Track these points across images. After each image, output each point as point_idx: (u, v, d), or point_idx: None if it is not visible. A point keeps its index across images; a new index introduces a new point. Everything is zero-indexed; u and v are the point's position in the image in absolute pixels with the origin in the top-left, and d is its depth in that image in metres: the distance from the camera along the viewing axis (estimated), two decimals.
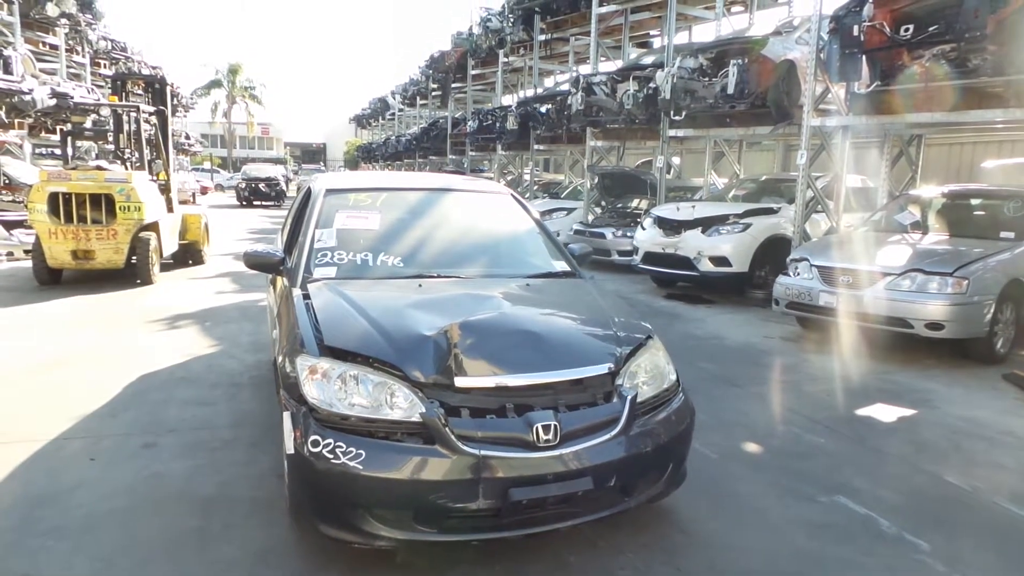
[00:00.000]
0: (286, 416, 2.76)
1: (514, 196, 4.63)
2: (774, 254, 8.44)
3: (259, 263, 3.84)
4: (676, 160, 15.89)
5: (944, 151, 11.35)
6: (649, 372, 3.07)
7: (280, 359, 3.13)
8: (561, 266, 4.02)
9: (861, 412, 4.80)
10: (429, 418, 2.56)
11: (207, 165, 49.22)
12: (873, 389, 5.29)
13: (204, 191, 33.02)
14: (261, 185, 28.20)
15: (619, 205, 12.98)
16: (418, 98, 32.17)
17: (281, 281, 3.92)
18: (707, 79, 9.76)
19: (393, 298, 3.28)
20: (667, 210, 9.70)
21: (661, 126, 10.96)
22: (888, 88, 7.25)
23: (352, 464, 2.52)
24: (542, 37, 17.79)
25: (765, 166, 14.19)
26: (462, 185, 4.70)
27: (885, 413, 4.77)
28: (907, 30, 6.87)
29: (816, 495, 3.48)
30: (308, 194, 4.37)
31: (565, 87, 18.29)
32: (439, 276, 3.62)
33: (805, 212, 8.39)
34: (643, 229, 9.76)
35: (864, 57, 7.31)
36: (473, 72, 23.05)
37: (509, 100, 22.67)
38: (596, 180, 12.87)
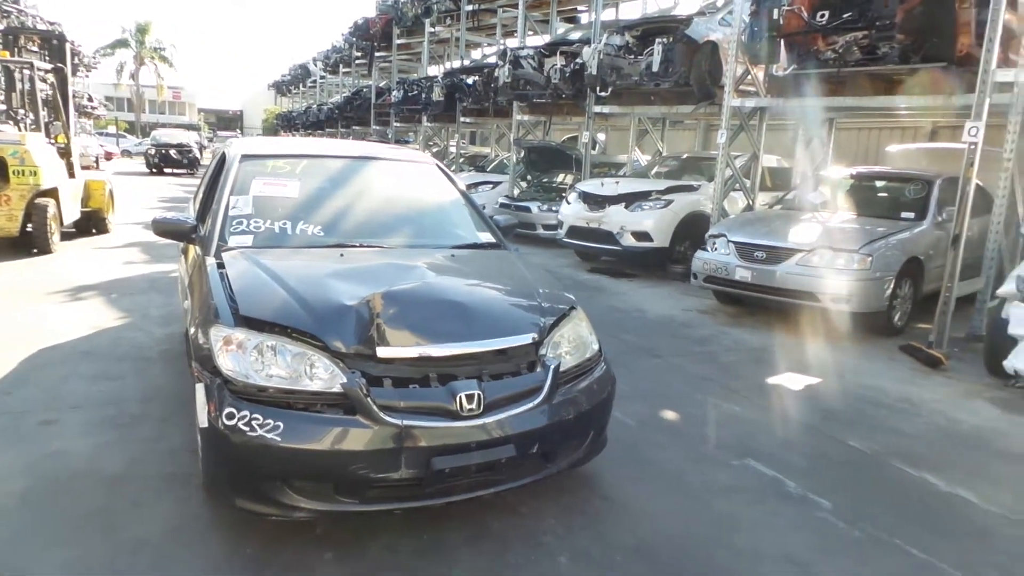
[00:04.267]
0: (199, 388, 2.66)
1: (439, 166, 4.56)
2: (694, 230, 8.66)
3: (169, 230, 3.65)
4: (601, 136, 16.07)
5: (853, 135, 11.88)
6: (572, 342, 3.10)
7: (192, 330, 3.00)
8: (486, 237, 4.00)
9: (772, 381, 5.02)
10: (350, 388, 2.51)
11: (112, 129, 46.32)
12: (783, 360, 5.54)
13: (109, 157, 31.13)
14: (172, 151, 26.79)
15: (545, 180, 13.03)
16: (341, 66, 31.20)
17: (193, 250, 3.75)
18: (633, 57, 9.85)
19: (313, 267, 3.19)
20: (592, 185, 9.81)
21: (587, 102, 11.01)
22: (804, 72, 7.50)
23: (270, 436, 2.45)
24: (469, 7, 17.51)
25: (686, 144, 14.51)
26: (386, 154, 4.60)
27: (794, 382, 5.00)
28: (823, 16, 7.10)
29: (729, 460, 3.63)
30: (223, 159, 4.18)
31: (492, 60, 18.15)
32: (361, 246, 3.53)
33: (724, 190, 8.64)
34: (568, 204, 9.84)
35: (783, 41, 7.52)
36: (398, 41, 22.51)
37: (435, 71, 22.29)
38: (522, 154, 12.86)
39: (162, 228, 3.63)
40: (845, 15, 6.91)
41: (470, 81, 15.19)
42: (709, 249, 6.99)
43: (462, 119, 16.47)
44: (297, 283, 2.92)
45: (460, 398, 2.59)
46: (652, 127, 12.35)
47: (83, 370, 4.51)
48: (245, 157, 3.94)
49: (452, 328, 2.80)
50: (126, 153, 39.39)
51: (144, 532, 2.72)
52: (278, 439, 2.45)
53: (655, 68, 9.28)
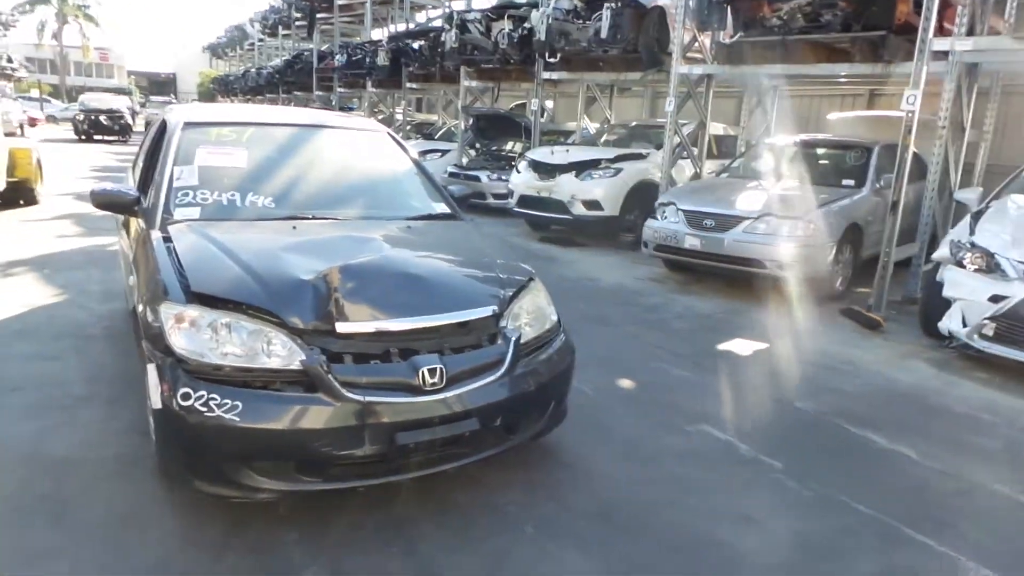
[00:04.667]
0: (150, 368, 2.56)
1: (391, 135, 4.47)
2: (643, 198, 8.73)
3: (110, 202, 3.48)
4: (549, 104, 15.96)
5: (796, 103, 12.08)
6: (531, 313, 3.11)
7: (140, 308, 2.89)
8: (441, 208, 3.95)
9: (722, 347, 5.15)
10: (311, 365, 2.46)
11: (36, 93, 43.75)
12: (732, 325, 5.68)
13: (33, 123, 29.46)
14: (103, 118, 25.51)
15: (494, 148, 12.91)
16: (280, 28, 30.05)
17: (136, 223, 3.59)
18: (581, 22, 9.76)
19: (266, 241, 3.10)
20: (542, 154, 9.77)
21: (536, 68, 10.90)
22: (750, 39, 7.58)
23: (228, 416, 2.39)
24: None
25: (634, 112, 14.56)
26: (336, 122, 4.47)
27: (743, 347, 5.15)
28: None
29: (684, 425, 3.72)
30: (163, 127, 3.99)
31: (438, 23, 17.76)
32: (314, 218, 3.45)
33: (672, 158, 8.72)
34: (518, 172, 9.79)
35: (729, 7, 7.57)
36: (340, 3, 21.81)
37: (379, 35, 21.72)
38: (471, 122, 12.69)
39: (102, 200, 3.46)
40: None
41: (416, 46, 14.86)
42: (659, 217, 7.07)
43: (408, 85, 16.15)
44: (251, 257, 2.84)
45: (423, 372, 2.57)
46: (600, 94, 12.33)
47: (18, 350, 4.31)
48: (188, 124, 3.78)
49: (412, 301, 2.77)
50: (51, 119, 37.33)
51: (97, 517, 2.64)
52: (237, 419, 2.40)
53: (603, 34, 9.22)
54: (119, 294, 5.45)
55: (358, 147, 4.29)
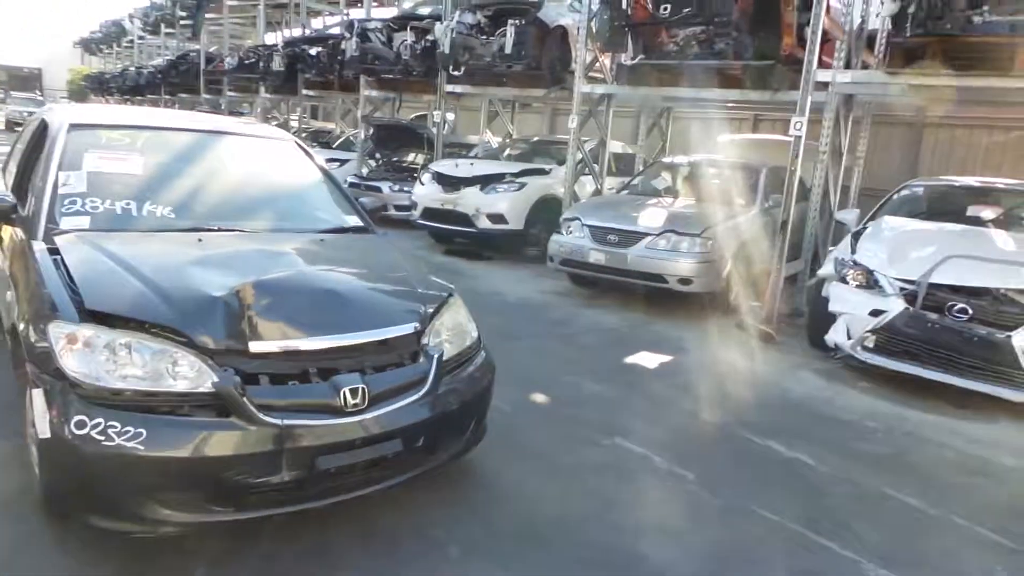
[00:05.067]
0: (36, 394, 2.32)
1: (298, 143, 4.31)
2: (546, 213, 8.87)
3: None
4: (451, 116, 15.94)
5: (688, 124, 12.68)
6: (452, 330, 3.07)
7: (22, 326, 2.61)
8: (353, 220, 3.84)
9: (629, 360, 5.28)
10: (223, 388, 2.31)
11: None
12: (637, 339, 5.84)
13: None
14: None
15: (395, 159, 12.74)
16: (163, 25, 28.36)
17: (12, 232, 3.27)
18: (485, 37, 9.83)
19: (169, 254, 2.89)
20: (446, 166, 9.73)
21: (439, 80, 10.87)
22: (648, 62, 7.87)
23: (130, 445, 2.21)
24: None
25: (535, 128, 14.80)
26: (239, 129, 4.26)
27: (649, 360, 5.30)
28: (665, 9, 7.48)
29: (599, 439, 3.77)
30: (43, 128, 3.67)
31: (336, 30, 17.38)
32: (220, 230, 3.25)
33: (575, 174, 8.91)
34: (422, 184, 9.70)
35: (629, 32, 7.84)
36: (230, 3, 20.95)
37: (272, 39, 20.98)
38: (371, 132, 12.47)
39: None
40: (686, 9, 7.32)
41: (314, 52, 14.44)
42: (564, 232, 7.19)
43: (304, 92, 15.67)
44: (152, 272, 2.64)
45: (344, 393, 2.47)
46: (502, 109, 12.45)
47: None
48: (74, 126, 3.48)
49: (330, 319, 2.66)
50: None
51: None
52: (140, 447, 2.21)
53: (507, 50, 9.31)
54: None
55: (264, 155, 4.09)
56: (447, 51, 9.93)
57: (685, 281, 6.45)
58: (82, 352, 2.32)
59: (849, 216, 6.48)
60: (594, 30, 8.34)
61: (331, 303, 2.73)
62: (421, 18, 11.37)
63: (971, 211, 6.03)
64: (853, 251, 5.43)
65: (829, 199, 7.02)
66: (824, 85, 6.49)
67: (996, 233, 5.50)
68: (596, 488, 3.25)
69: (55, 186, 3.14)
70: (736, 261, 6.82)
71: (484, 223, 8.87)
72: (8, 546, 2.45)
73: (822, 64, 6.69)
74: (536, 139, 11.65)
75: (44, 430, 2.27)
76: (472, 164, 9.64)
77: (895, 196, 6.57)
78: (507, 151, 11.14)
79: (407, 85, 12.43)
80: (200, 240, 3.06)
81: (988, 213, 5.96)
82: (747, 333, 6.16)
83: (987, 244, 5.25)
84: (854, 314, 5.10)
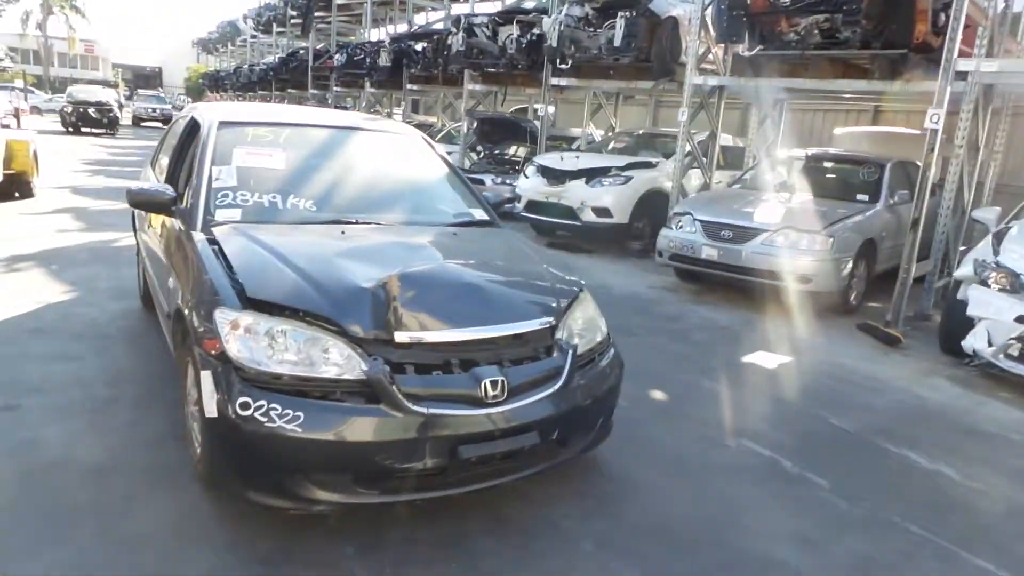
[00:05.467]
0: (206, 375, 2.47)
1: (424, 138, 4.40)
2: (652, 207, 8.74)
3: (147, 202, 3.40)
4: (551, 109, 15.93)
5: (801, 116, 12.18)
6: (584, 325, 3.07)
7: (187, 312, 2.79)
8: (480, 214, 3.89)
9: (746, 359, 5.12)
10: (374, 376, 2.39)
11: (19, 83, 42.98)
12: (752, 337, 5.66)
13: (17, 114, 28.91)
14: (91, 110, 25.03)
15: (497, 152, 12.86)
16: (275, 25, 29.80)
17: (169, 223, 3.50)
18: (592, 29, 9.75)
19: (317, 245, 3.02)
20: (551, 159, 9.71)
21: (544, 73, 10.86)
22: (768, 52, 7.58)
23: (289, 427, 2.32)
24: None
25: (638, 120, 14.57)
26: (367, 124, 4.41)
27: (767, 360, 5.12)
28: None
29: (724, 439, 3.68)
30: (194, 126, 3.91)
31: (439, 26, 17.71)
32: (359, 222, 3.36)
33: (683, 168, 8.71)
34: (526, 177, 9.73)
35: (747, 20, 7.58)
36: (339, 1, 21.68)
37: (377, 35, 21.59)
38: (474, 125, 12.63)
39: (139, 199, 3.37)
40: None
41: (419, 47, 14.77)
42: (674, 227, 7.04)
43: (408, 86, 16.05)
44: (304, 262, 2.76)
45: (485, 384, 2.51)
46: (606, 101, 12.32)
47: (36, 350, 4.17)
48: (223, 124, 3.68)
49: (471, 312, 2.71)
50: (36, 110, 36.71)
51: (142, 528, 2.54)
52: (299, 430, 2.32)
53: (616, 42, 9.21)
54: (130, 292, 5.34)
55: (393, 150, 4.21)
56: (554, 44, 9.91)
57: (804, 279, 6.19)
58: (244, 338, 2.45)
59: (988, 215, 6.04)
60: (708, 20, 8.11)
61: (471, 296, 2.78)
62: (527, 12, 11.43)
63: None
64: (996, 252, 5.06)
65: (963, 196, 6.58)
66: (963, 75, 6.07)
67: None
68: (726, 490, 3.17)
69: (210, 180, 3.33)
70: (858, 260, 6.50)
71: (589, 216, 8.81)
72: (171, 515, 2.63)
73: (962, 54, 6.26)
74: (640, 132, 11.48)
75: (211, 410, 2.41)
76: (577, 157, 9.58)
77: None
78: (611, 144, 11.02)
79: (511, 79, 12.52)
80: (343, 232, 3.18)
81: None
82: (871, 335, 5.86)
83: None
84: (997, 319, 4.76)
